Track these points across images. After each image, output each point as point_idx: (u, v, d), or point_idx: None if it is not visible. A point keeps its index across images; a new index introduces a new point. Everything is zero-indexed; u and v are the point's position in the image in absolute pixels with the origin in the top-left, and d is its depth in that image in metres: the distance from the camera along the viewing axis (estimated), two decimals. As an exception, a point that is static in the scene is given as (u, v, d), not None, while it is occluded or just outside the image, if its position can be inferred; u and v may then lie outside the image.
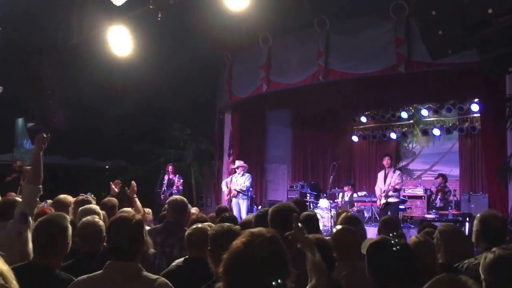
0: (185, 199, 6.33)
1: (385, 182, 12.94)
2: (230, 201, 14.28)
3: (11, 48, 13.98)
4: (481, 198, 13.98)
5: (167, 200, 6.65)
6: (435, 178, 15.37)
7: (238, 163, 14.59)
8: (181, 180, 15.40)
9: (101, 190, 18.46)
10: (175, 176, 15.28)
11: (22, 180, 15.01)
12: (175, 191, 14.82)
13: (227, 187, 14.40)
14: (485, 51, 9.07)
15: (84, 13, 13.02)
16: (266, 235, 2.54)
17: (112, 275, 3.55)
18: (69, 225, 4.11)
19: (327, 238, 4.79)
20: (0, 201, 5.76)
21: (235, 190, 14.09)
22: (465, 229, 11.08)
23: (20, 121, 18.93)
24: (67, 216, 4.25)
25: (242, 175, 14.27)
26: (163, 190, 15.10)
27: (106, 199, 7.12)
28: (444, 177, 14.96)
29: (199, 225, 4.82)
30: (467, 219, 11.98)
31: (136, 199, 7.19)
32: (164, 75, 15.12)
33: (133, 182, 7.28)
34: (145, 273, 3.63)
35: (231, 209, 13.65)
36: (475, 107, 15.63)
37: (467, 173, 16.45)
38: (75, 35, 13.54)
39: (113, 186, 7.73)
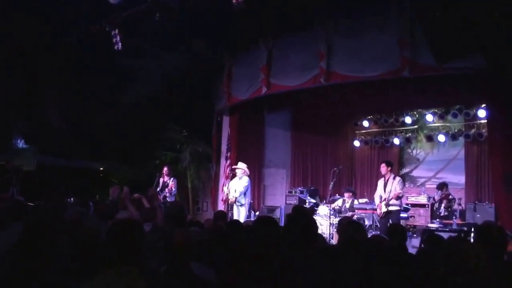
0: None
1: (385, 190, 12.89)
2: (231, 206, 14.18)
3: (6, 47, 14.01)
4: (487, 208, 13.89)
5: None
6: (436, 189, 15.32)
7: (241, 165, 14.51)
8: (173, 183, 15.16)
9: (95, 193, 18.53)
10: (169, 178, 15.16)
11: (16, 180, 15.03)
12: (168, 193, 14.70)
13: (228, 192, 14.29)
14: (492, 56, 9.10)
15: (81, 12, 13.06)
16: None
17: (111, 281, 3.58)
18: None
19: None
20: None
21: (232, 197, 13.99)
22: (470, 240, 11.00)
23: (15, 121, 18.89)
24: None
25: (240, 178, 14.19)
26: (157, 193, 14.98)
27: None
28: (442, 185, 14.94)
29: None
30: (472, 229, 11.88)
31: (130, 205, 7.21)
32: (161, 75, 15.14)
33: (125, 187, 7.29)
34: (144, 278, 3.65)
35: (231, 215, 13.66)
36: (482, 113, 15.54)
37: (473, 181, 16.41)
38: (72, 34, 13.59)
39: (111, 191, 7.72)
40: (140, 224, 3.94)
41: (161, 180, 14.96)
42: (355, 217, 14.67)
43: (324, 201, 15.81)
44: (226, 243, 5.23)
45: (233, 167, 15.02)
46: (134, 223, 3.89)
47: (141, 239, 3.82)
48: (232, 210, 14.02)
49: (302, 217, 4.62)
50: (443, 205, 14.54)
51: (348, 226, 5.73)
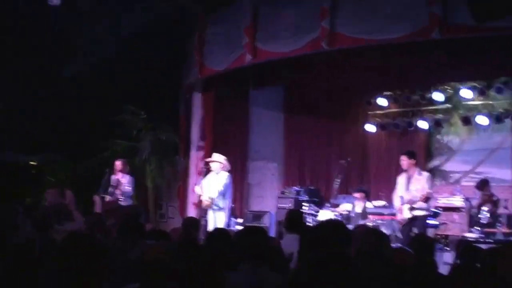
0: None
1: (409, 189, 12.82)
2: (206, 211, 14.12)
3: None
4: (543, 212, 13.96)
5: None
6: (476, 188, 15.26)
7: (217, 157, 14.46)
8: (129, 181, 14.95)
9: (24, 194, 18.47)
10: (123, 175, 15.01)
11: None
12: (119, 195, 14.53)
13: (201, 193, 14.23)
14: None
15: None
16: None
17: None
18: None
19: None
20: None
21: (207, 199, 13.93)
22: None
23: None
24: None
25: (218, 174, 14.15)
26: (108, 194, 14.75)
27: None
28: (484, 183, 14.94)
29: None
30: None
31: (76, 211, 7.25)
32: (114, 40, 15.09)
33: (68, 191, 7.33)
34: None
35: (206, 222, 13.62)
36: (535, 87, 15.55)
37: (524, 177, 16.47)
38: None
39: (47, 195, 7.75)
40: (98, 238, 4.00)
41: (112, 177, 14.85)
42: (369, 224, 14.72)
43: (328, 205, 15.84)
44: (204, 257, 5.24)
45: (207, 160, 15.00)
46: (92, 239, 3.94)
47: (103, 260, 3.86)
48: (207, 217, 13.97)
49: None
50: (485, 209, 14.47)
51: (367, 235, 5.77)
